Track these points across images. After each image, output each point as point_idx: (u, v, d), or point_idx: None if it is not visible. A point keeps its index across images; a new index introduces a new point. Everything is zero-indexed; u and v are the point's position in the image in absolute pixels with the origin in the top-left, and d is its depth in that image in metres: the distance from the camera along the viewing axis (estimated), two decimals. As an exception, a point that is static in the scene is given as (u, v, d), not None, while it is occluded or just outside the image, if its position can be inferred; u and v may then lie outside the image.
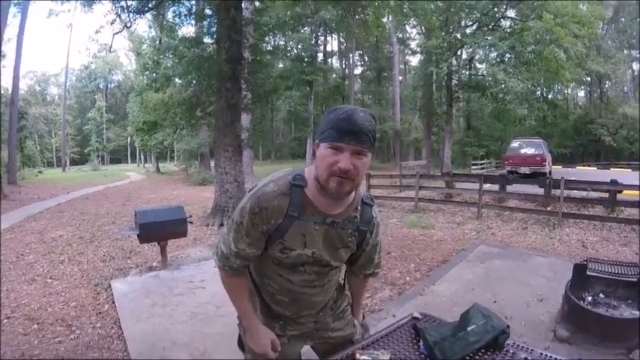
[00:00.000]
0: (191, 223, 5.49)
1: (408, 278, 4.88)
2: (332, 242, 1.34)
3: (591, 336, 3.14)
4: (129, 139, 45.68)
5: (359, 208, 1.37)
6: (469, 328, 1.40)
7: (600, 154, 32.57)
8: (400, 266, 5.31)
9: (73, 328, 3.54)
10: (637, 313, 3.18)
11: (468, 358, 1.34)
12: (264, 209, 1.25)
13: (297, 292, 1.41)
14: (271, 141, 41.44)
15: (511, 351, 1.40)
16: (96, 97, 54.60)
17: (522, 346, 1.44)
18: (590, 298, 3.42)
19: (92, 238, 7.14)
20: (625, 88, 39.19)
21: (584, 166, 26.46)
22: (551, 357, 1.38)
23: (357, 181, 1.21)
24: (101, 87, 57.33)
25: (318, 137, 1.23)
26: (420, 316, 1.66)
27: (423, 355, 1.38)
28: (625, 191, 8.22)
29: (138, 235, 4.77)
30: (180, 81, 10.70)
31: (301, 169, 1.33)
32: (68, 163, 46.02)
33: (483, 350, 1.38)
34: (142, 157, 48.36)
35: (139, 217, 4.67)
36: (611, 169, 22.71)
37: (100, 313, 3.86)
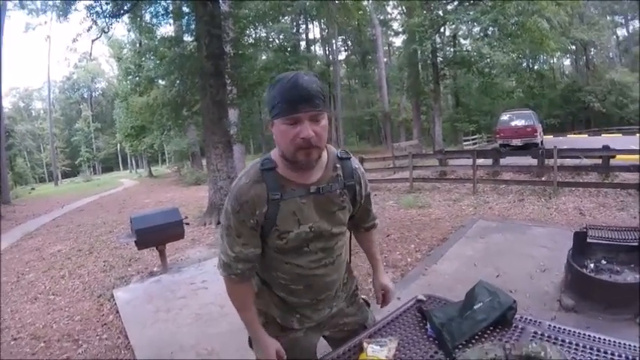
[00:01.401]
0: (187, 224, 5.46)
1: (409, 259, 4.88)
2: (325, 208, 1.31)
3: (596, 303, 3.15)
4: (119, 145, 45.35)
5: (337, 165, 1.34)
6: (476, 307, 1.38)
7: (590, 121, 32.77)
8: (400, 248, 5.31)
9: (80, 342, 3.52)
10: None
11: (476, 337, 1.32)
12: (244, 203, 1.23)
13: (309, 275, 1.36)
14: (261, 134, 41.06)
15: (520, 326, 1.38)
16: (81, 107, 53.97)
17: (530, 320, 1.42)
18: (592, 265, 3.42)
19: (91, 249, 7.09)
20: (610, 54, 39.41)
21: (574, 134, 26.60)
22: (559, 328, 1.37)
23: (322, 146, 1.21)
24: (85, 96, 56.61)
25: (269, 113, 1.20)
26: (425, 298, 1.63)
27: (431, 338, 1.36)
28: (618, 156, 8.25)
29: (135, 242, 4.73)
30: (163, 82, 10.58)
31: (268, 154, 1.31)
32: (60, 176, 45.56)
33: (492, 328, 1.36)
34: (134, 162, 48.02)
35: (135, 224, 4.63)
36: (602, 135, 22.85)
37: (105, 324, 3.83)
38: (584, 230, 3.58)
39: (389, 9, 30.61)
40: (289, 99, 1.12)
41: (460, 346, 1.27)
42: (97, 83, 57.61)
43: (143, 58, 10.56)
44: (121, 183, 26.67)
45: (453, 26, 21.00)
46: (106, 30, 9.44)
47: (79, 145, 50.66)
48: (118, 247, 6.74)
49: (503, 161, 9.89)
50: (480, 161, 9.69)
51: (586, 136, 23.96)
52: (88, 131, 51.37)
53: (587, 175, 8.58)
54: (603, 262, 3.46)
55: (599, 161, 8.38)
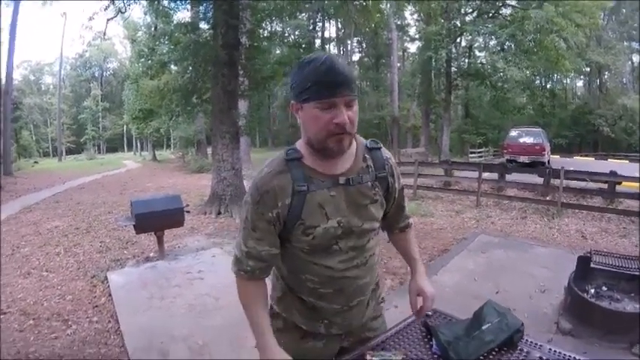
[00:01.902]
0: (188, 212, 5.42)
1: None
2: (356, 201, 1.22)
3: (594, 329, 3.14)
4: (125, 127, 45.40)
5: (367, 156, 1.27)
6: (484, 327, 1.34)
7: (598, 144, 32.58)
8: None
9: (70, 322, 3.48)
10: (639, 306, 3.16)
11: (482, 358, 1.28)
12: (265, 193, 1.15)
13: (340, 277, 1.26)
14: (268, 128, 41.26)
15: (525, 350, 1.35)
16: (91, 85, 53.95)
17: (533, 343, 1.39)
18: (593, 291, 3.40)
19: (88, 228, 7.07)
20: (624, 79, 39.20)
21: (581, 156, 26.47)
22: (560, 353, 1.34)
23: (353, 133, 1.14)
24: (96, 75, 56.72)
25: (296, 97, 1.12)
26: (430, 312, 1.58)
27: (435, 356, 1.32)
28: (624, 183, 8.20)
29: (134, 226, 4.70)
30: (175, 67, 10.55)
31: (293, 145, 1.24)
32: (64, 152, 45.65)
33: (497, 349, 1.32)
34: (139, 145, 48.04)
35: (135, 208, 4.60)
36: (609, 160, 22.73)
37: (96, 306, 3.80)
38: (589, 255, 3.55)
39: (407, 14, 30.56)
40: (325, 83, 1.04)
41: (466, 367, 1.23)
42: (109, 63, 57.75)
43: (157, 42, 10.51)
44: (125, 164, 26.63)
45: (470, 37, 20.96)
46: (123, 10, 9.44)
47: (86, 123, 50.74)
48: (116, 229, 6.69)
49: (508, 177, 9.86)
50: (485, 175, 9.64)
51: (593, 159, 23.82)
52: (95, 110, 51.42)
53: (592, 199, 8.53)
54: (604, 288, 3.44)
55: (605, 186, 8.33)
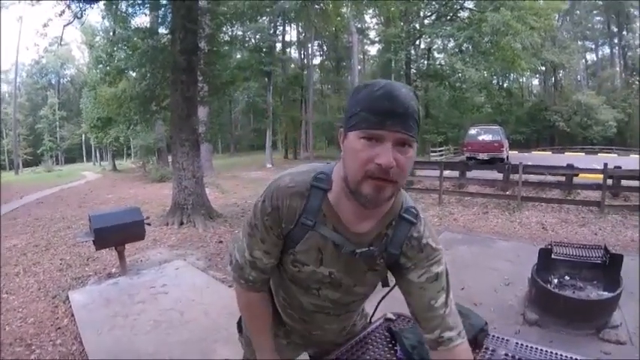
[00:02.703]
0: (149, 224, 5.25)
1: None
2: (355, 265, 1.07)
3: (560, 318, 3.23)
4: (83, 136, 43.91)
5: (394, 223, 1.04)
6: (447, 329, 1.34)
7: (554, 139, 33.94)
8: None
9: (33, 347, 3.30)
10: (602, 293, 3.28)
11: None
12: (275, 209, 1.01)
13: (309, 313, 1.20)
14: (230, 133, 40.83)
15: (491, 348, 1.36)
16: (48, 93, 51.72)
17: (499, 339, 1.41)
18: (556, 281, 3.51)
19: (47, 245, 6.73)
20: (578, 76, 41.26)
21: (539, 151, 27.49)
22: (526, 347, 1.36)
23: (399, 184, 0.91)
24: (53, 82, 54.34)
25: (345, 124, 0.93)
26: (394, 317, 1.58)
27: (401, 361, 1.30)
28: (581, 175, 8.55)
29: (93, 241, 4.51)
30: (133, 74, 10.25)
31: (330, 166, 1.05)
32: (21, 165, 43.61)
33: (463, 350, 1.32)
34: (98, 154, 46.54)
35: (94, 222, 4.40)
36: (566, 153, 23.71)
37: (59, 328, 3.61)
38: (549, 247, 3.66)
39: (367, 17, 30.95)
40: (376, 109, 0.85)
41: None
42: (66, 69, 55.38)
43: (115, 48, 10.17)
44: (84, 175, 25.64)
45: (429, 39, 21.41)
46: (79, 15, 9.07)
47: (43, 133, 48.56)
48: (76, 245, 6.39)
49: (469, 174, 10.07)
50: (446, 173, 9.84)
51: (550, 153, 24.77)
52: (53, 119, 49.31)
53: (551, 191, 8.83)
54: (566, 277, 3.56)
55: (563, 178, 8.65)
